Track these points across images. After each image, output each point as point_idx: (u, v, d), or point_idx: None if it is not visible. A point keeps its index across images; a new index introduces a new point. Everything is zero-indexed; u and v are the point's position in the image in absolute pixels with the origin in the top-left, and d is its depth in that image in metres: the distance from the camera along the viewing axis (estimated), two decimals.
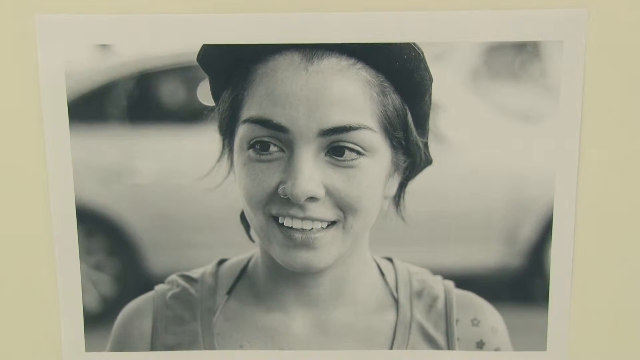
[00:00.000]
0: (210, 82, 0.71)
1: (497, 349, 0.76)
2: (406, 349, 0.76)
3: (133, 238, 0.75)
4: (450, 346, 0.76)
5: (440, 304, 0.75)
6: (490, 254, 0.75)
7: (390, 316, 0.76)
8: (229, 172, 0.72)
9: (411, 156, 0.71)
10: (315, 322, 0.76)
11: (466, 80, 0.71)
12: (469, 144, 0.73)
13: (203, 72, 0.70)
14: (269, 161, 0.68)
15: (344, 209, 0.69)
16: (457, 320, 0.75)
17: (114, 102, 0.72)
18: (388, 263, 0.76)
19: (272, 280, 0.75)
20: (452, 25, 0.69)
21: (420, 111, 0.70)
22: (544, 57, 0.70)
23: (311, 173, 0.67)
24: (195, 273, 0.76)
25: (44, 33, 0.70)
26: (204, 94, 0.71)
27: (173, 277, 0.76)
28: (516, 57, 0.71)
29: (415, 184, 0.72)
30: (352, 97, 0.67)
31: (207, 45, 0.69)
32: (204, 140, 0.72)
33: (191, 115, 0.72)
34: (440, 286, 0.75)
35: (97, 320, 0.77)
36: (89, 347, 0.77)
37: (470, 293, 0.75)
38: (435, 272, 0.75)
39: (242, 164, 0.69)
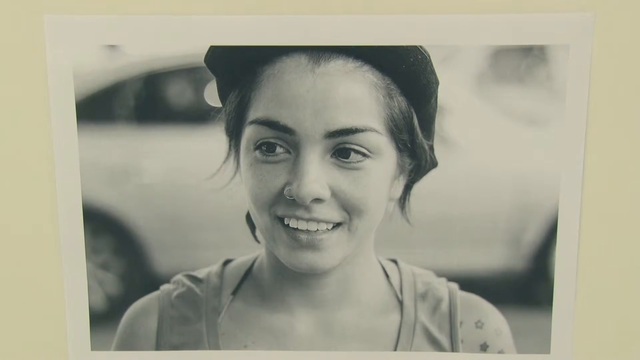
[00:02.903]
0: (218, 83, 0.71)
1: (500, 352, 0.76)
2: (410, 350, 0.76)
3: (139, 238, 0.75)
4: (454, 348, 0.76)
5: (444, 306, 0.76)
6: (494, 257, 0.75)
7: (395, 318, 0.76)
8: (235, 173, 0.72)
9: (417, 159, 0.71)
10: (319, 323, 0.76)
11: (472, 84, 0.71)
12: (474, 147, 0.73)
13: (210, 73, 0.70)
14: (275, 162, 0.69)
15: (350, 211, 0.69)
16: (461, 323, 0.76)
17: (121, 103, 0.72)
18: (393, 265, 0.76)
19: (277, 281, 0.75)
20: (459, 29, 0.69)
21: (426, 114, 0.70)
22: (550, 61, 0.70)
23: (317, 174, 0.68)
24: (200, 273, 0.76)
25: (52, 33, 0.70)
26: (211, 95, 0.71)
27: (178, 276, 0.76)
28: (522, 60, 0.71)
29: (421, 187, 0.73)
30: (359, 100, 0.67)
31: (214, 47, 0.70)
32: (211, 141, 0.72)
33: (198, 116, 0.72)
34: (444, 288, 0.76)
35: (102, 319, 0.77)
36: (95, 346, 0.77)
37: (474, 295, 0.75)
38: (439, 274, 0.75)
39: (248, 165, 0.70)
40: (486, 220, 0.74)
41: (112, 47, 0.71)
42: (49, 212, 0.75)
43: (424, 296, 0.76)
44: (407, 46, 0.68)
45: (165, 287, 0.76)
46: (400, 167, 0.71)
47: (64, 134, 0.73)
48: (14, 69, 0.72)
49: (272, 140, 0.68)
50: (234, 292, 0.76)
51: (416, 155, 0.71)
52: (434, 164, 0.72)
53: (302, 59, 0.68)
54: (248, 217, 0.73)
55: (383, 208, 0.71)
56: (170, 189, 0.74)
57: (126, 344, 0.77)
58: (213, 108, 0.72)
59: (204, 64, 0.70)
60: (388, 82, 0.68)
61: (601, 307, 0.76)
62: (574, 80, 0.71)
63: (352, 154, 0.68)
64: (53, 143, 0.73)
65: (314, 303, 0.75)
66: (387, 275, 0.76)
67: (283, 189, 0.68)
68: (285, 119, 0.67)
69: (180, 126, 0.73)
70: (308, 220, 0.69)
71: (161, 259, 0.76)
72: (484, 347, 0.76)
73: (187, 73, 0.72)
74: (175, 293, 0.76)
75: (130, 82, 0.72)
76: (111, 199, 0.75)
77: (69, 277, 0.76)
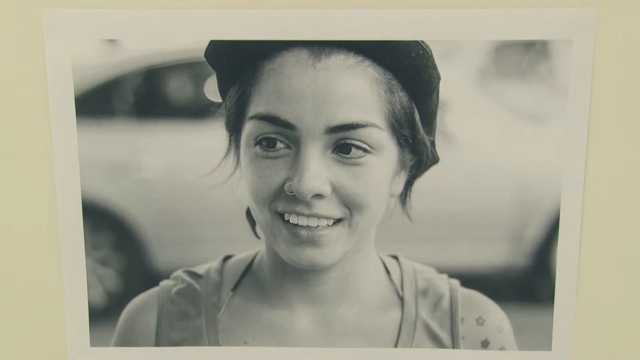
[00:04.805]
0: (218, 78, 0.71)
1: (502, 348, 0.76)
2: (411, 347, 0.76)
3: (139, 233, 0.75)
4: (455, 345, 0.76)
5: (445, 302, 0.75)
6: (496, 253, 0.75)
7: (396, 314, 0.76)
8: (235, 169, 0.72)
9: (418, 154, 0.71)
10: (320, 320, 0.76)
11: (474, 79, 0.71)
12: (476, 142, 0.72)
13: (210, 68, 0.70)
14: (276, 158, 0.68)
15: (350, 207, 0.69)
16: (462, 319, 0.75)
17: (121, 98, 0.72)
18: (394, 261, 0.76)
19: (277, 277, 0.75)
20: (461, 24, 0.69)
21: (428, 109, 0.70)
22: (552, 56, 0.70)
23: (317, 170, 0.67)
24: (200, 269, 0.76)
25: (51, 28, 0.70)
26: (211, 90, 0.71)
27: (178, 272, 0.76)
28: (524, 55, 0.70)
29: (422, 183, 0.72)
30: (360, 95, 0.67)
31: (215, 41, 0.69)
32: (211, 136, 0.72)
33: (198, 111, 0.72)
34: (445, 285, 0.75)
35: (102, 315, 0.77)
36: (94, 342, 0.77)
37: (475, 292, 0.75)
38: (440, 271, 0.75)
39: (248, 161, 0.69)
40: (487, 217, 0.74)
41: (112, 41, 0.71)
42: (48, 208, 0.75)
43: (424, 293, 0.76)
44: (408, 41, 0.68)
45: (164, 283, 0.76)
46: (402, 163, 0.71)
47: (63, 129, 0.72)
48: (13, 64, 0.72)
49: (272, 136, 0.68)
50: (234, 288, 0.76)
51: (417, 151, 0.71)
52: (435, 160, 0.72)
53: (303, 54, 0.68)
54: (248, 213, 0.73)
55: (384, 204, 0.71)
56: (170, 185, 0.73)
57: (126, 340, 0.77)
58: (213, 103, 0.71)
59: (204, 59, 0.70)
60: (389, 77, 0.68)
61: (602, 303, 0.76)
62: (577, 76, 0.70)
63: (353, 150, 0.67)
64: (52, 138, 0.73)
65: (314, 299, 0.75)
66: (388, 272, 0.76)
67: (283, 184, 0.68)
68: (286, 114, 0.67)
69: (180, 121, 0.72)
70: (308, 216, 0.69)
71: (161, 255, 0.75)
72: (485, 344, 0.76)
73: (187, 68, 0.71)
74: (174, 289, 0.76)
75: (129, 77, 0.72)
76: (111, 195, 0.74)
77: (69, 273, 0.76)
